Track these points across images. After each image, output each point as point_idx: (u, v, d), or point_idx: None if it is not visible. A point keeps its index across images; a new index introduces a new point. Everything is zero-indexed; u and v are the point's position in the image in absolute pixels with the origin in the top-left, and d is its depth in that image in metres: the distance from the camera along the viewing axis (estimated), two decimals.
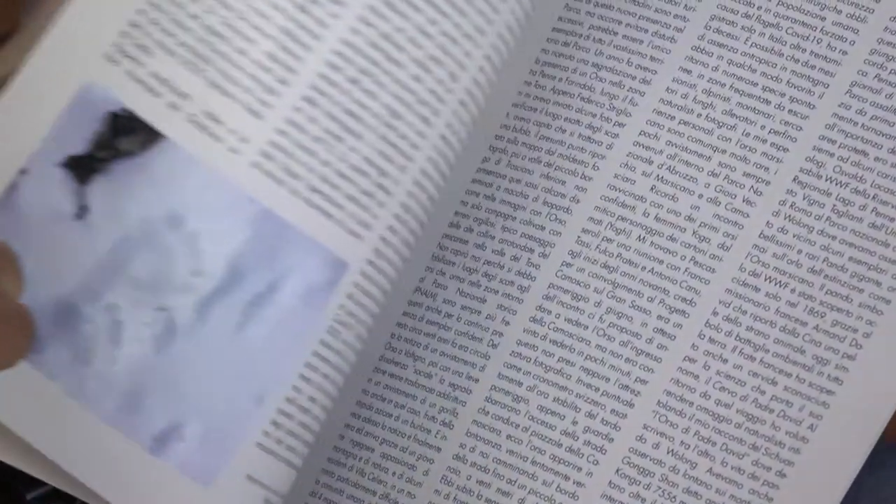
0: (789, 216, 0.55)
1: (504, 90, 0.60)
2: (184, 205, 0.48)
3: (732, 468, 0.53)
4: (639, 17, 0.59)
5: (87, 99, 0.48)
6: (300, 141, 0.49)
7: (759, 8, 0.58)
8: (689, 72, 0.58)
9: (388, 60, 0.50)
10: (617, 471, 0.54)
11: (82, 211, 0.47)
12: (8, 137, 0.48)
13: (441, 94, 0.51)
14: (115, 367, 0.47)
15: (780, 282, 0.55)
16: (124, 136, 0.48)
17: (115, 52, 0.48)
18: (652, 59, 0.58)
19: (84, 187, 0.47)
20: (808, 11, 0.57)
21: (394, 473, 0.56)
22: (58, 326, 0.47)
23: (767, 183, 0.56)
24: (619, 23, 0.59)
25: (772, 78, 0.57)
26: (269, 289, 0.49)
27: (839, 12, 0.57)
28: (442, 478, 0.55)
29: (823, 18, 0.57)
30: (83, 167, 0.48)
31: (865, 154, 0.55)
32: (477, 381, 0.56)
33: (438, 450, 0.56)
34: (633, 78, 0.58)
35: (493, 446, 0.55)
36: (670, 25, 0.58)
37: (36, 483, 0.58)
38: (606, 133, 0.58)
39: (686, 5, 0.59)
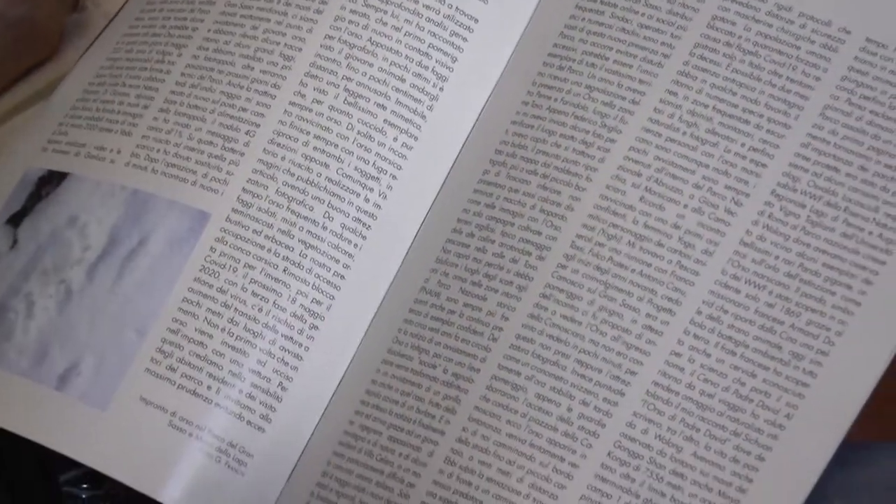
0: (767, 225, 0.59)
1: (503, 109, 0.63)
2: (78, 208, 0.63)
3: (715, 452, 0.57)
4: (629, 44, 0.62)
5: (27, 179, 0.65)
6: (159, 136, 0.63)
7: (740, 37, 0.61)
8: (674, 94, 0.61)
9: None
10: (609, 454, 0.58)
11: (14, 244, 0.63)
12: None
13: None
14: (29, 334, 0.60)
15: (758, 284, 0.58)
16: (46, 184, 0.64)
17: (46, 144, 0.66)
18: (641, 81, 0.61)
19: (16, 229, 0.63)
20: (785, 41, 0.60)
21: (400, 454, 0.59)
22: None
23: (747, 195, 0.59)
24: (611, 49, 0.62)
25: (751, 100, 0.60)
26: (140, 244, 0.61)
27: (812, 42, 0.60)
28: (445, 458, 0.59)
29: (798, 47, 0.60)
30: (18, 218, 0.64)
31: (837, 170, 0.59)
32: (478, 371, 0.60)
33: (442, 433, 0.59)
34: (623, 98, 0.61)
35: (494, 430, 0.59)
36: (658, 52, 0.62)
37: (68, 465, 0.62)
38: (598, 148, 0.61)
39: (672, 34, 0.62)
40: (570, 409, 0.58)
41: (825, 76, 0.60)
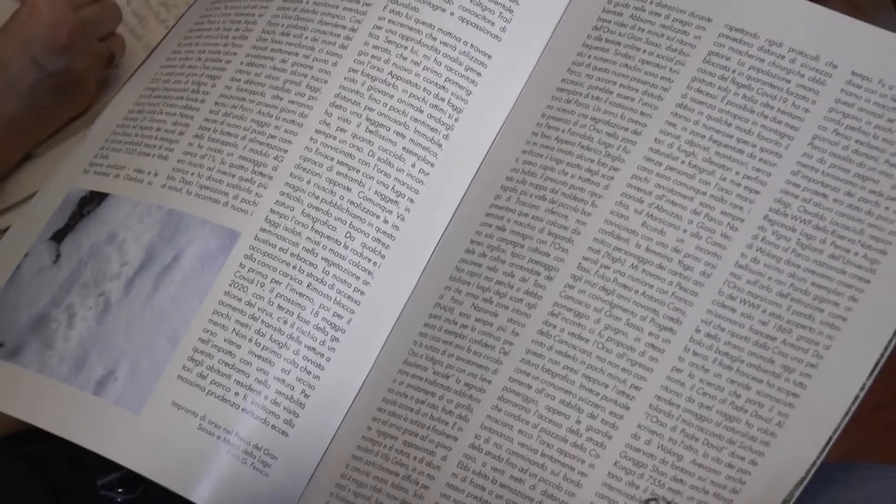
0: (761, 248, 0.62)
1: (514, 138, 0.67)
2: (117, 225, 0.67)
3: (712, 459, 0.60)
4: (631, 79, 0.65)
5: (70, 198, 0.69)
6: (193, 160, 0.67)
7: (734, 71, 0.64)
8: (673, 125, 0.64)
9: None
10: (615, 463, 0.61)
11: (57, 258, 0.68)
12: (21, 236, 0.69)
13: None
14: (69, 343, 0.65)
15: (753, 303, 0.61)
16: (87, 204, 0.68)
17: (88, 167, 0.70)
18: (642, 113, 0.65)
19: (59, 244, 0.68)
20: (776, 74, 0.64)
21: (415, 458, 0.63)
22: (33, 332, 0.66)
23: (741, 220, 0.62)
24: (614, 83, 0.66)
25: (745, 131, 0.63)
26: (174, 259, 0.65)
27: (802, 76, 0.63)
28: (459, 463, 0.62)
29: (789, 81, 0.64)
30: (61, 234, 0.68)
31: (825, 196, 0.62)
32: (490, 382, 0.63)
33: (455, 439, 0.62)
34: (626, 130, 0.65)
35: (506, 439, 0.62)
36: (658, 86, 0.65)
37: (105, 469, 0.66)
38: (603, 176, 0.64)
39: (671, 69, 0.65)
40: (578, 422, 0.61)
41: (814, 108, 0.63)
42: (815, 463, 0.59)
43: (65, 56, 0.80)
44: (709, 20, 0.66)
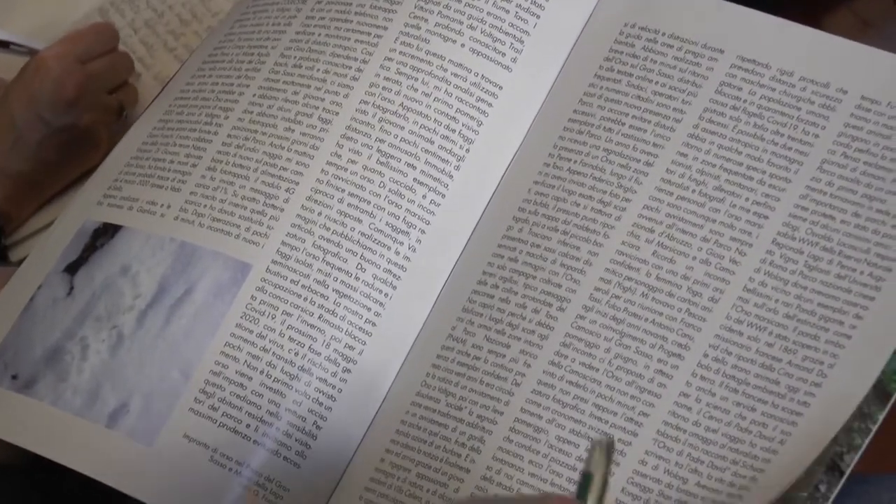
0: (768, 272, 0.62)
1: (526, 169, 0.67)
2: (130, 258, 0.67)
3: (716, 480, 0.60)
4: (643, 110, 0.66)
5: (84, 230, 0.70)
6: (206, 193, 0.68)
7: (745, 101, 0.64)
8: (685, 155, 0.64)
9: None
10: (622, 489, 0.60)
11: (70, 290, 0.68)
12: (35, 268, 0.70)
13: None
14: (83, 375, 0.65)
15: (760, 326, 0.61)
16: (101, 236, 0.69)
17: (102, 199, 0.70)
18: (654, 144, 0.65)
19: (73, 276, 0.68)
20: (787, 103, 0.64)
21: (428, 490, 0.62)
22: (47, 365, 0.66)
23: (750, 245, 0.62)
24: (626, 114, 0.66)
25: (755, 158, 0.63)
26: (186, 292, 0.65)
27: (812, 102, 0.64)
28: (471, 495, 0.62)
29: (799, 108, 0.64)
30: (74, 266, 0.68)
31: (833, 218, 0.62)
32: (502, 413, 0.63)
33: (468, 471, 0.62)
34: (638, 161, 0.65)
35: (517, 469, 0.62)
36: (670, 117, 0.65)
37: (119, 500, 0.66)
38: (615, 207, 0.64)
39: (683, 100, 0.65)
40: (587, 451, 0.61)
41: (823, 133, 0.63)
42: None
43: (71, 111, 0.80)
44: (721, 51, 0.66)
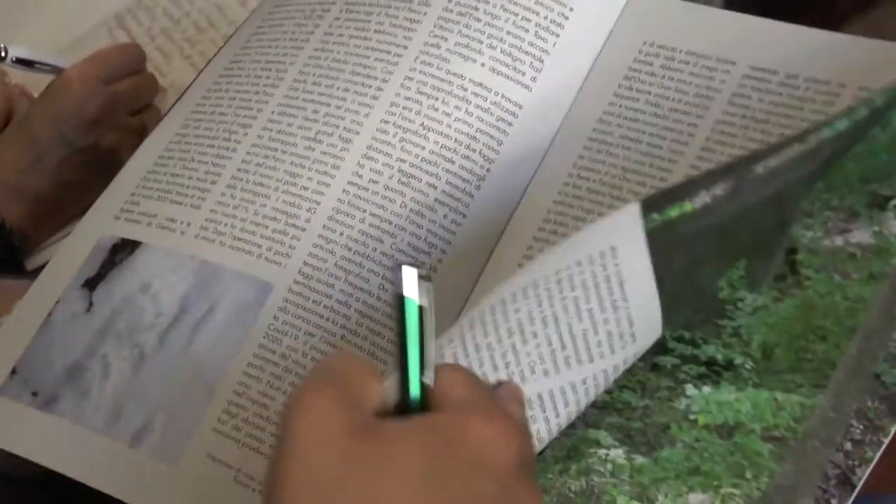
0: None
1: (546, 190, 0.67)
2: (150, 275, 0.67)
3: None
4: (660, 127, 0.66)
5: (101, 245, 0.69)
6: (226, 211, 0.68)
7: (754, 109, 0.65)
8: (697, 168, 0.65)
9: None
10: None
11: (90, 307, 0.67)
12: (52, 282, 0.70)
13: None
14: (105, 393, 0.65)
15: None
16: (119, 252, 0.69)
17: (119, 213, 0.70)
18: (669, 160, 0.65)
19: (92, 293, 0.68)
20: (792, 105, 0.64)
21: None
22: (68, 382, 0.66)
23: None
24: (644, 132, 0.66)
25: None
26: (208, 312, 0.65)
27: (815, 101, 0.64)
28: None
29: (802, 109, 0.64)
30: (93, 282, 0.68)
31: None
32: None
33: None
34: (654, 178, 0.65)
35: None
36: (684, 132, 0.66)
37: None
38: None
39: (697, 114, 0.66)
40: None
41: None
42: None
43: (94, 132, 0.80)
44: (733, 63, 0.67)
